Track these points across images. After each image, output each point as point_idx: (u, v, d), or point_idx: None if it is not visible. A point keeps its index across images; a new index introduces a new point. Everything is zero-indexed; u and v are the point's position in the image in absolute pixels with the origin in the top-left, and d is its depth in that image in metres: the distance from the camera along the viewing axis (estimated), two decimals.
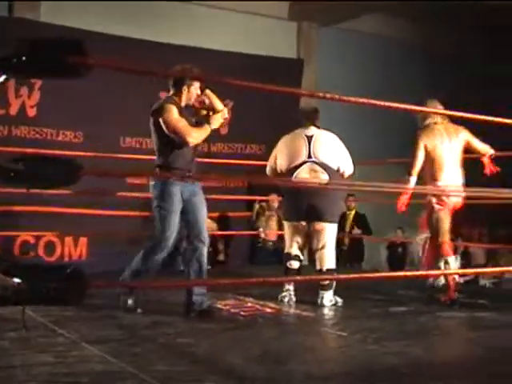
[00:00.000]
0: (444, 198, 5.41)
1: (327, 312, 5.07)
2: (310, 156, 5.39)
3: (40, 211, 7.84)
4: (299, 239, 5.59)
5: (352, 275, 5.26)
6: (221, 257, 9.40)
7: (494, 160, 5.64)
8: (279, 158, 5.59)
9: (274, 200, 9.30)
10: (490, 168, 5.60)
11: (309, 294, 5.39)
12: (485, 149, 5.62)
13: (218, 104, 4.94)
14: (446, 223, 5.45)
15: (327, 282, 5.32)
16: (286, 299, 5.44)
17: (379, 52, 11.45)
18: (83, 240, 8.66)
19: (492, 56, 11.92)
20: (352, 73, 10.83)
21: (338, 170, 5.46)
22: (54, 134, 8.61)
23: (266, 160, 7.89)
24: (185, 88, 4.82)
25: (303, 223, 5.48)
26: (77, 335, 3.94)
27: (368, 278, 4.65)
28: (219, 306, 5.16)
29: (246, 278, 5.76)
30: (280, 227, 9.37)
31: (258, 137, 9.62)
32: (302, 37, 10.84)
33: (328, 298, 5.30)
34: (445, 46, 11.72)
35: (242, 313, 4.88)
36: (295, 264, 5.55)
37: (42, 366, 3.21)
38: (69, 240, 8.60)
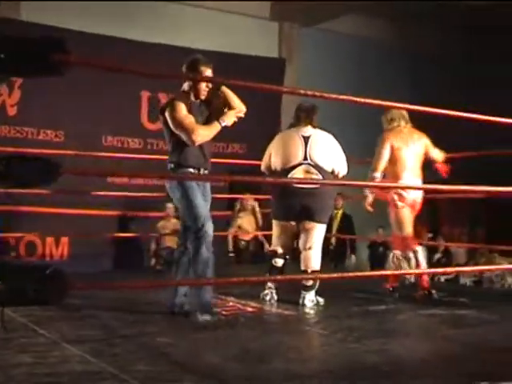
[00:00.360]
0: (404, 194, 5.67)
1: (308, 311, 5.08)
2: (305, 158, 5.36)
3: (21, 211, 7.80)
4: (287, 238, 5.59)
5: (333, 275, 5.28)
6: None
7: (449, 161, 6.02)
8: (274, 157, 5.53)
9: (249, 200, 9.28)
10: (443, 172, 5.94)
11: (291, 293, 5.41)
12: (439, 156, 5.95)
13: (235, 101, 4.79)
14: (408, 219, 5.75)
15: (310, 282, 5.33)
16: (268, 297, 5.44)
17: (360, 52, 11.49)
18: (64, 240, 8.64)
19: (474, 56, 12.00)
20: (333, 72, 10.84)
21: (332, 172, 5.45)
22: (35, 133, 8.59)
23: (248, 159, 7.92)
24: (190, 83, 4.74)
25: (293, 223, 5.47)
26: (57, 335, 3.92)
27: (348, 277, 4.68)
28: None
29: (227, 278, 5.77)
30: (257, 227, 9.36)
31: (240, 136, 9.62)
32: (283, 37, 10.87)
33: (310, 298, 5.31)
34: (424, 47, 11.78)
35: (223, 312, 4.88)
36: (280, 262, 5.52)
37: (22, 367, 3.19)
38: (50, 240, 8.58)
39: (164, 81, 8.59)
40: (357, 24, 11.38)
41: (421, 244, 6.03)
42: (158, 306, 4.91)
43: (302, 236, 5.48)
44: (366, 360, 3.53)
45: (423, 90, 10.30)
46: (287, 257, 5.61)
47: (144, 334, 4.07)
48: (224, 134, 8.93)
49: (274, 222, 5.66)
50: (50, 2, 8.46)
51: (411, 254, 5.68)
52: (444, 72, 11.76)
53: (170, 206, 8.57)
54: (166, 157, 7.78)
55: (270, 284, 5.51)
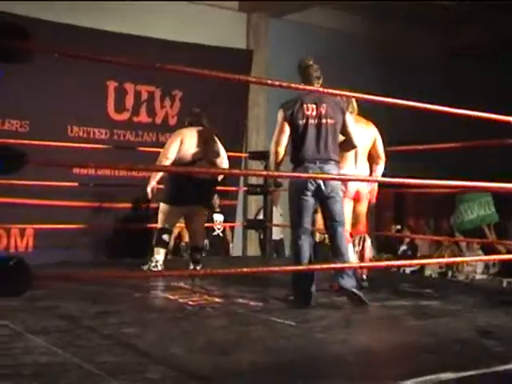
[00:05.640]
0: (346, 187, 5.37)
1: (274, 302, 5.08)
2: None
3: None
4: (175, 219, 6.53)
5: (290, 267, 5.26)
6: None
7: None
8: (184, 150, 6.21)
9: None
10: (374, 196, 5.72)
11: (254, 285, 5.46)
12: (381, 153, 5.67)
13: None
14: (346, 211, 5.29)
15: (199, 257, 6.46)
16: (155, 269, 6.19)
17: (328, 44, 11.46)
18: (30, 231, 8.54)
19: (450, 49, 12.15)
20: None
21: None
22: (0, 123, 8.46)
23: None
24: None
25: (184, 207, 6.33)
26: (21, 326, 3.87)
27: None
28: (168, 296, 5.15)
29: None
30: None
31: None
32: (251, 28, 10.83)
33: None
34: (393, 38, 11.83)
35: (189, 303, 4.87)
36: (167, 237, 6.44)
37: None
38: (15, 231, 8.48)
39: (131, 71, 8.53)
40: (325, 16, 11.38)
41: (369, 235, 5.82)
42: (124, 297, 4.88)
43: (192, 219, 6.51)
44: (332, 350, 3.55)
45: (390, 81, 10.37)
46: (171, 232, 6.76)
47: (109, 325, 4.04)
48: None
49: (165, 205, 6.38)
50: None
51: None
52: (414, 63, 11.86)
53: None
54: (131, 147, 7.73)
55: (157, 257, 6.26)
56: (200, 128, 6.37)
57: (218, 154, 6.40)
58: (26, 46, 2.31)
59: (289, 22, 11.01)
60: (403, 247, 10.83)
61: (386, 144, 5.70)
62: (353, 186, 5.46)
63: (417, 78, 11.51)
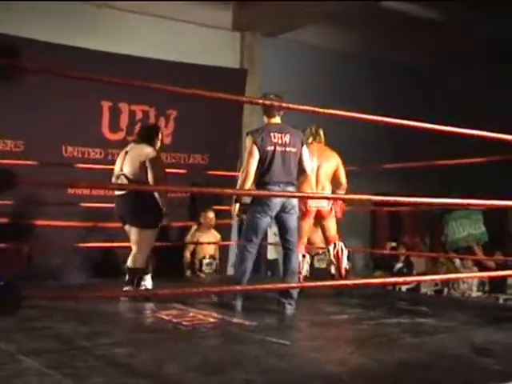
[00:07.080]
0: (302, 207, 6.11)
1: (269, 321, 5.06)
2: (121, 169, 6.22)
3: None
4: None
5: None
6: None
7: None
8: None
9: (207, 217, 8.87)
10: (339, 212, 6.55)
11: (248, 304, 5.44)
12: (342, 180, 6.47)
13: None
14: (303, 228, 6.22)
15: (126, 278, 6.01)
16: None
17: (323, 63, 11.51)
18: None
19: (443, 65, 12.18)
20: (296, 84, 10.82)
21: (146, 182, 6.09)
22: None
23: (209, 170, 7.93)
24: None
25: (126, 226, 6.25)
26: (13, 347, 3.84)
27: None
28: (161, 315, 5.13)
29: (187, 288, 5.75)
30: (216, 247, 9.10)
31: (201, 147, 9.59)
32: (245, 47, 10.83)
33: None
34: (389, 57, 11.87)
35: (184, 323, 4.84)
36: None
37: None
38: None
39: (125, 91, 8.51)
40: (320, 34, 11.40)
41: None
42: (116, 317, 4.85)
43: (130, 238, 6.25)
44: (327, 370, 3.53)
45: (388, 100, 10.40)
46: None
47: (102, 344, 4.02)
48: (185, 145, 8.97)
49: None
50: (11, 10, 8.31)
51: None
52: (409, 81, 11.90)
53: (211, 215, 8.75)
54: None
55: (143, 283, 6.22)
56: (132, 144, 6.46)
57: (135, 169, 6.11)
58: (15, 64, 2.31)
59: (283, 40, 11.01)
60: (399, 265, 10.79)
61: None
62: (313, 206, 6.27)
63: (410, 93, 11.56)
